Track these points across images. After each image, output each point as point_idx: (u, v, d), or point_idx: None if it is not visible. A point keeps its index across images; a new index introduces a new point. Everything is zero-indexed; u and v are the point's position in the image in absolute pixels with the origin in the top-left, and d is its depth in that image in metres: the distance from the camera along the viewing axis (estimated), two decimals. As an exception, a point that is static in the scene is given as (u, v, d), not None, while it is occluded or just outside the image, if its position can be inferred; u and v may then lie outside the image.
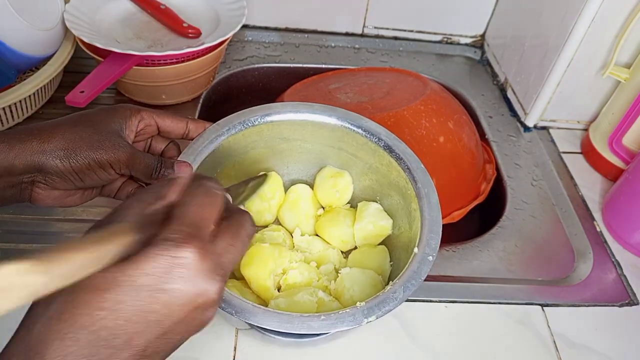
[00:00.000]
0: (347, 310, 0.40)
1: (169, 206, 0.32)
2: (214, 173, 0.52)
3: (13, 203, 0.42)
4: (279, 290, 0.50)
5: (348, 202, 0.58)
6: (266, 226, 0.57)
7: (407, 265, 0.43)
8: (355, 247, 0.55)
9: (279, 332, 0.47)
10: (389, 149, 0.51)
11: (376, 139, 0.52)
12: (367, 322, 0.39)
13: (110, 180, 0.43)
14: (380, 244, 0.55)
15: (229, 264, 0.31)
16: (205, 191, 0.32)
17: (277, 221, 0.58)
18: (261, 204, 0.55)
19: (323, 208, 0.58)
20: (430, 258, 0.43)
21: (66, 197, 0.43)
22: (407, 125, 0.60)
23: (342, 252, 0.55)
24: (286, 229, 0.57)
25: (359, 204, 0.56)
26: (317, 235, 0.57)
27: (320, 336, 0.50)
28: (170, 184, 0.33)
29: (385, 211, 0.55)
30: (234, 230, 0.32)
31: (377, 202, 0.56)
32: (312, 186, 0.58)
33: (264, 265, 0.49)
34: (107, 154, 0.41)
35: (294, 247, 0.55)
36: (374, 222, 0.53)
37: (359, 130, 0.52)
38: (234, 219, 0.33)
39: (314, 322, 0.39)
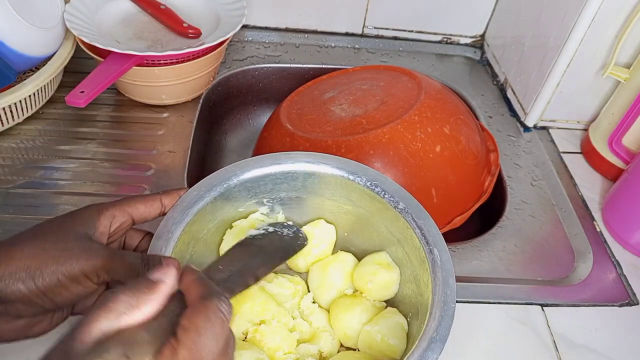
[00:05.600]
0: None
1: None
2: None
3: None
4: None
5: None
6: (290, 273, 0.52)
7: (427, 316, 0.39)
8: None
9: None
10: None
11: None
12: None
13: (86, 293, 0.36)
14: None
15: None
16: (222, 323, 0.29)
17: (306, 275, 0.52)
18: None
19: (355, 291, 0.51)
20: (453, 305, 0.39)
21: (32, 325, 0.36)
22: (402, 140, 0.60)
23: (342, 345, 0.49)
24: (305, 288, 0.51)
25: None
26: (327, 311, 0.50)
27: None
28: (154, 289, 0.29)
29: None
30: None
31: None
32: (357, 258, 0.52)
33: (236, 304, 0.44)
34: (79, 262, 0.34)
35: (299, 307, 0.50)
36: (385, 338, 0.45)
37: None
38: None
39: None
